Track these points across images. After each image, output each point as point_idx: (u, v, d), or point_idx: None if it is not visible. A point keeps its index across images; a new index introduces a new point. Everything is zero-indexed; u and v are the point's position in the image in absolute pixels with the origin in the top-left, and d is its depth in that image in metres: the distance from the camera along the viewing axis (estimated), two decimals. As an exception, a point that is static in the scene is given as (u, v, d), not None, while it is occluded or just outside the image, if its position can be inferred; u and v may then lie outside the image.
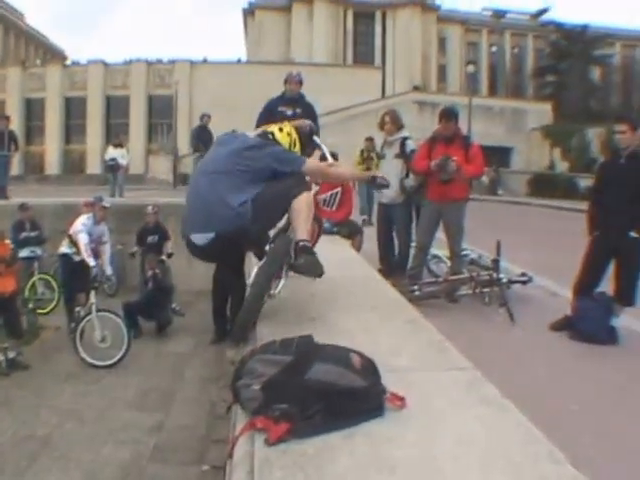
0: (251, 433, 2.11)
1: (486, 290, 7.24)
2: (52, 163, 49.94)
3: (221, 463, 2.56)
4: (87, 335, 9.27)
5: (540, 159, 42.97)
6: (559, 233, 14.94)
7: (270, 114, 7.15)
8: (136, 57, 51.48)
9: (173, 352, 9.90)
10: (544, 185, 34.55)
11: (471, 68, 47.10)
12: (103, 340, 9.28)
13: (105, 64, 50.85)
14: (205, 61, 51.00)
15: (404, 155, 8.01)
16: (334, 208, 8.09)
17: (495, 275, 7.17)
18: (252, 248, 4.11)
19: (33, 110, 51.09)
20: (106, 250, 10.80)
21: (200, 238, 3.48)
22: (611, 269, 6.19)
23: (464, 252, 8.06)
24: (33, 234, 12.30)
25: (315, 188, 4.40)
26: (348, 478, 1.83)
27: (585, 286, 6.27)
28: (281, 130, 4.04)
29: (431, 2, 61.46)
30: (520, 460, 1.92)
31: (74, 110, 50.50)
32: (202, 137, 16.03)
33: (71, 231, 10.33)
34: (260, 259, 3.94)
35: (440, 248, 8.28)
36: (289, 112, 7.27)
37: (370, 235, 8.66)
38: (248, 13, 62.05)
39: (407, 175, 7.97)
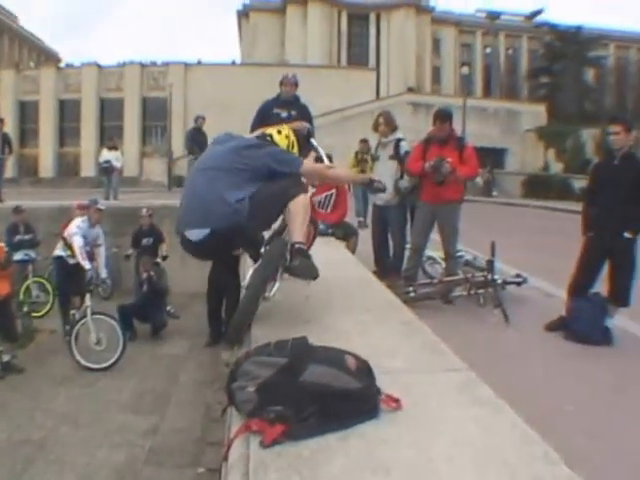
0: (246, 435, 2.10)
1: (481, 291, 7.25)
2: (46, 166, 49.87)
3: (216, 465, 2.56)
4: (82, 338, 9.24)
5: (534, 160, 43.06)
6: (553, 234, 14.97)
7: (265, 116, 7.14)
8: (130, 59, 51.55)
9: (168, 354, 9.89)
10: (538, 186, 34.64)
11: (465, 69, 47.33)
12: (98, 343, 9.26)
13: (99, 66, 50.84)
14: (199, 63, 50.95)
15: (398, 156, 8.01)
16: (329, 210, 8.09)
17: (490, 276, 7.18)
18: (247, 248, 4.10)
19: (27, 113, 51.05)
20: (101, 253, 10.77)
21: (195, 234, 3.45)
22: (605, 270, 6.20)
23: (459, 253, 8.07)
24: (27, 237, 12.28)
25: (311, 190, 4.39)
26: (343, 480, 1.83)
27: (579, 287, 6.28)
28: (279, 132, 4.04)
29: (425, 3, 61.59)
30: (515, 461, 1.93)
31: (68, 113, 50.47)
32: (196, 139, 16.01)
33: (66, 234, 10.29)
34: (255, 261, 3.93)
35: (435, 249, 8.29)
36: (284, 114, 7.26)
37: (365, 237, 8.66)
38: (242, 15, 62.09)
39: (401, 176, 7.98)
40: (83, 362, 9.03)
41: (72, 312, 10.01)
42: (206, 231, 3.41)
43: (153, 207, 13.25)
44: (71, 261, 10.26)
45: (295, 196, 3.54)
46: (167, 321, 11.03)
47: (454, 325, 6.27)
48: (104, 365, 9.04)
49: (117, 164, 18.37)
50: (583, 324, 6.01)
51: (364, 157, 12.66)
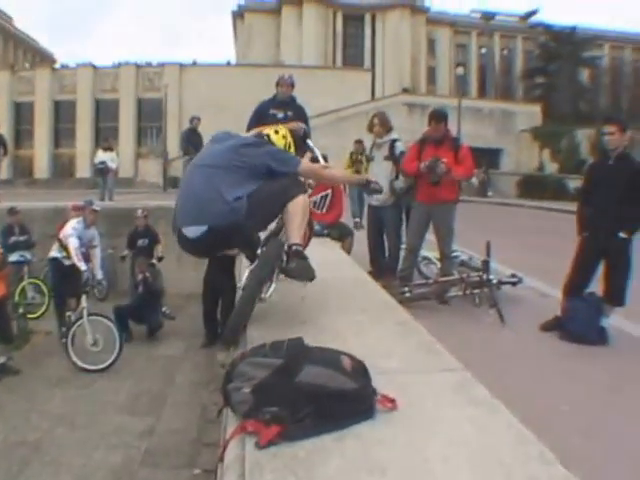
0: (242, 436, 2.10)
1: (476, 291, 7.26)
2: (41, 167, 49.83)
3: (212, 467, 2.57)
4: (79, 339, 9.22)
5: (529, 160, 43.16)
6: (549, 234, 15.01)
7: (261, 117, 7.13)
8: (125, 60, 51.55)
9: (164, 356, 9.87)
10: (533, 186, 34.73)
11: (460, 70, 47.31)
12: (95, 344, 9.23)
13: (94, 67, 50.83)
14: (194, 64, 50.96)
15: (393, 157, 8.02)
16: (324, 210, 8.10)
17: (485, 276, 7.18)
18: (244, 248, 4.09)
19: (22, 114, 51.01)
20: (96, 254, 10.73)
21: (192, 231, 3.43)
22: (601, 270, 6.21)
23: (454, 253, 8.08)
24: (22, 238, 12.25)
25: (308, 191, 4.39)
26: (339, 480, 1.83)
27: (575, 287, 6.29)
28: (277, 132, 4.04)
29: (420, 4, 61.67)
30: (511, 461, 1.93)
31: (63, 114, 50.46)
32: (192, 140, 15.99)
33: (61, 235, 10.26)
34: (252, 261, 3.93)
35: (430, 250, 8.29)
36: (280, 115, 7.25)
37: (360, 237, 8.66)
38: (237, 16, 62.11)
39: (397, 177, 7.98)
40: (80, 363, 9.01)
41: (68, 314, 9.97)
42: (203, 228, 3.39)
43: (148, 208, 13.23)
44: (67, 262, 10.22)
45: (294, 197, 3.53)
46: (163, 322, 11.01)
47: (450, 325, 6.28)
48: (101, 366, 9.02)
49: (112, 165, 18.33)
50: (578, 324, 6.02)
51: (359, 158, 12.68)
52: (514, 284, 7.60)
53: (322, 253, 5.50)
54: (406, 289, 7.23)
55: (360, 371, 2.32)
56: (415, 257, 7.91)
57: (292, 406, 2.12)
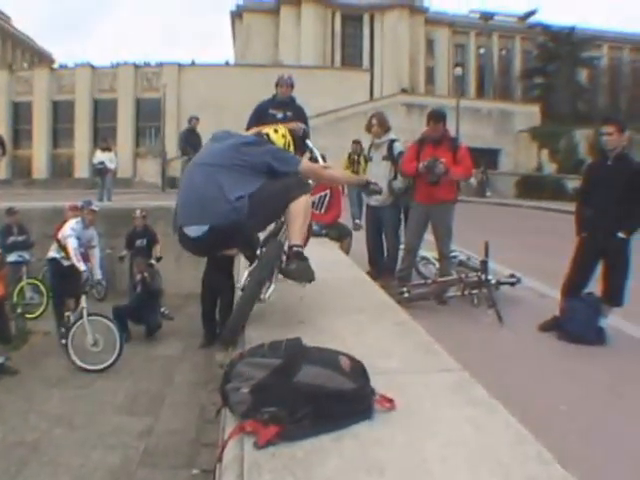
0: (240, 436, 2.10)
1: (475, 291, 7.26)
2: (40, 167, 49.79)
3: (211, 467, 2.56)
4: (79, 339, 9.21)
5: (528, 161, 43.15)
6: (547, 234, 15.01)
7: (261, 117, 7.14)
8: (123, 60, 51.53)
9: (162, 356, 9.86)
10: (532, 186, 34.72)
11: (459, 70, 47.23)
12: (95, 344, 9.22)
13: (92, 67, 50.81)
14: (193, 64, 50.95)
15: (392, 157, 8.02)
16: (323, 211, 8.10)
17: (484, 276, 7.19)
18: (244, 248, 4.09)
19: (20, 114, 51.00)
20: (95, 254, 10.72)
21: (194, 230, 3.42)
22: (599, 270, 6.21)
23: (453, 254, 8.09)
24: (21, 238, 12.24)
25: None
26: (337, 480, 1.83)
27: (573, 287, 6.30)
28: (276, 132, 4.04)
29: (419, 4, 61.67)
30: (509, 461, 1.93)
31: (62, 114, 50.43)
32: (190, 140, 15.98)
33: (60, 236, 10.25)
34: (251, 262, 3.93)
35: (429, 250, 8.30)
36: (280, 115, 7.25)
37: (359, 237, 8.66)
38: (236, 16, 62.10)
39: (395, 177, 7.98)
40: (80, 364, 9.01)
41: (67, 314, 9.97)
42: (205, 228, 3.38)
43: (147, 208, 13.21)
44: (65, 263, 10.22)
45: (297, 197, 3.52)
46: (161, 322, 11.01)
47: (448, 325, 6.28)
48: (101, 367, 9.01)
49: (111, 165, 18.34)
50: (577, 324, 6.03)
51: (357, 159, 12.68)
52: (513, 284, 7.60)
53: (321, 253, 5.49)
54: (405, 289, 7.24)
55: (358, 371, 2.32)
56: (414, 257, 7.91)
57: (290, 406, 2.11)
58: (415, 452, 1.98)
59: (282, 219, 3.81)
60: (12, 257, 11.79)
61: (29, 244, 12.37)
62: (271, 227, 4.02)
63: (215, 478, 2.22)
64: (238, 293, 4.15)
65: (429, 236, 7.80)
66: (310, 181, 3.97)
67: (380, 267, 8.26)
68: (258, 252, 3.81)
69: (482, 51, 65.37)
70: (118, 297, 11.74)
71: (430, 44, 63.39)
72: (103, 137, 29.63)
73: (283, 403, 2.12)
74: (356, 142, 13.21)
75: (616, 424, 4.15)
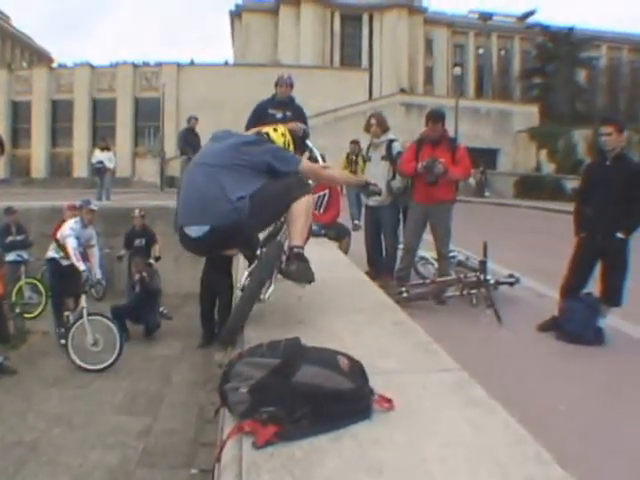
0: (239, 436, 2.10)
1: (473, 291, 7.26)
2: (38, 166, 49.79)
3: (209, 467, 2.55)
4: (79, 339, 9.21)
5: (527, 161, 43.20)
6: (546, 234, 15.01)
7: (260, 116, 7.13)
8: (122, 60, 51.55)
9: (161, 355, 9.86)
10: (531, 187, 34.76)
11: (458, 70, 47.31)
12: (95, 344, 9.21)
13: (91, 67, 50.81)
14: (192, 63, 50.97)
15: (390, 157, 8.02)
16: (321, 211, 8.10)
17: (482, 276, 7.19)
18: (244, 248, 4.07)
19: (19, 113, 51.00)
20: (95, 253, 10.71)
21: (195, 230, 3.40)
22: (598, 270, 6.21)
23: (451, 254, 8.09)
24: (19, 238, 12.23)
25: None
26: (336, 480, 1.83)
27: (572, 287, 6.30)
28: (275, 130, 4.04)
29: (418, 4, 61.68)
30: (508, 461, 1.93)
31: (60, 113, 50.43)
32: (189, 140, 15.99)
33: (59, 235, 10.24)
34: (250, 262, 3.92)
35: (427, 250, 8.30)
36: (279, 115, 7.25)
37: (358, 237, 8.66)
38: (235, 15, 62.12)
39: (394, 177, 7.98)
40: (80, 363, 9.00)
41: (66, 314, 9.97)
42: (206, 228, 3.37)
43: (146, 208, 13.21)
44: (64, 263, 10.21)
45: (298, 197, 3.52)
46: (160, 322, 11.01)
47: (447, 325, 6.28)
48: (101, 366, 9.01)
49: (110, 165, 18.34)
50: (575, 324, 6.02)
51: (356, 159, 12.67)
52: (511, 284, 7.61)
53: (319, 253, 5.49)
54: (403, 289, 7.24)
55: (357, 371, 2.32)
56: (412, 257, 7.91)
57: (289, 406, 2.11)
58: (414, 452, 1.98)
59: (282, 219, 3.81)
60: (11, 256, 11.79)
61: (28, 243, 12.36)
62: (270, 227, 4.01)
63: (214, 478, 2.21)
64: (237, 293, 4.14)
65: (428, 236, 7.79)
66: (310, 181, 3.96)
67: (379, 267, 8.26)
68: (258, 252, 3.80)
69: (481, 51, 65.41)
70: (117, 297, 11.72)
71: (429, 44, 63.42)
72: (102, 136, 29.63)
73: (282, 403, 2.12)
74: (354, 142, 13.19)
75: (615, 424, 4.15)
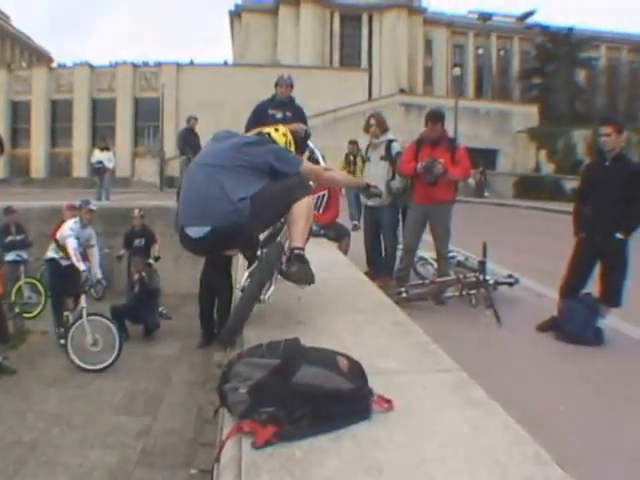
0: (238, 437, 2.10)
1: (473, 292, 7.26)
2: (38, 166, 49.76)
3: (209, 467, 2.56)
4: (78, 339, 9.20)
5: (526, 161, 43.21)
6: (545, 234, 15.02)
7: (260, 117, 7.13)
8: (122, 60, 51.53)
9: (160, 355, 9.86)
10: (530, 187, 34.79)
11: (457, 70, 47.41)
12: (95, 344, 9.21)
13: (91, 67, 50.78)
14: (192, 63, 50.91)
15: (390, 157, 8.02)
16: (321, 211, 8.09)
17: (482, 277, 7.19)
18: (244, 249, 4.07)
19: (19, 113, 50.97)
20: (94, 253, 10.71)
21: (195, 231, 3.41)
22: (597, 270, 6.21)
23: (451, 254, 8.09)
24: (19, 238, 12.22)
25: None
26: (335, 481, 1.83)
27: (571, 287, 6.30)
28: (277, 131, 4.03)
29: (417, 4, 61.66)
30: (507, 461, 1.93)
31: (60, 113, 50.39)
32: (189, 140, 15.98)
33: (58, 235, 10.23)
34: (250, 262, 3.91)
35: (427, 250, 8.30)
36: (279, 115, 7.24)
37: (357, 237, 8.66)
38: (235, 15, 62.09)
39: (393, 177, 7.99)
40: (79, 363, 9.00)
41: (66, 314, 9.97)
42: (207, 229, 3.37)
43: (145, 208, 13.20)
44: (64, 263, 10.21)
45: (299, 198, 3.51)
46: (160, 322, 11.00)
47: (446, 326, 6.28)
48: (100, 366, 9.00)
49: (109, 165, 18.34)
50: (575, 324, 6.03)
51: (354, 159, 12.67)
52: (511, 285, 7.60)
53: (319, 253, 5.49)
54: (403, 289, 7.24)
55: (356, 372, 2.32)
56: (412, 257, 7.92)
57: (289, 406, 2.12)
58: (413, 452, 1.99)
59: (282, 220, 3.81)
60: (10, 256, 11.78)
61: (27, 243, 12.36)
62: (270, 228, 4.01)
63: (213, 478, 2.22)
64: (237, 293, 4.14)
65: (427, 236, 7.80)
66: (310, 182, 3.96)
67: (378, 267, 8.26)
68: (258, 253, 3.79)
69: (480, 51, 65.40)
70: (116, 297, 11.71)
71: (428, 44, 63.39)
72: (101, 136, 29.62)
73: (281, 403, 2.12)
74: (352, 142, 13.18)
75: (615, 424, 4.15)
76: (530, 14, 64.15)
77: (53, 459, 6.26)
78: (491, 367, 4.78)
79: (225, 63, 54.63)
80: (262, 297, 3.64)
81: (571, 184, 27.82)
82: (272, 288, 3.82)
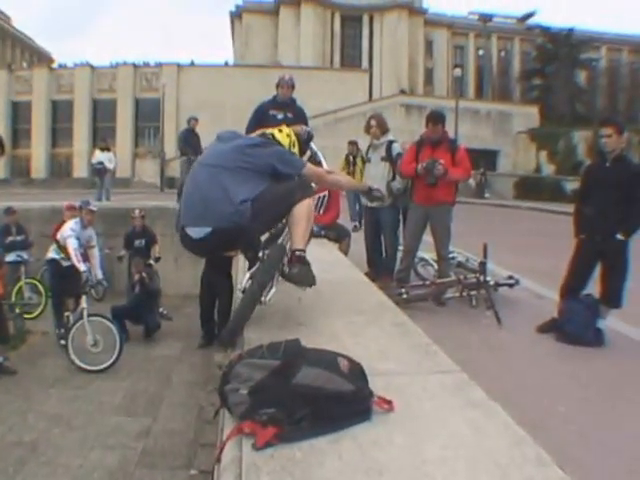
0: (239, 438, 2.10)
1: (473, 293, 7.27)
2: (38, 167, 49.82)
3: (209, 468, 2.56)
4: (79, 340, 9.20)
5: (526, 162, 43.20)
6: (546, 235, 15.02)
7: (261, 117, 7.14)
8: (123, 60, 51.58)
9: (161, 356, 9.85)
10: (531, 188, 34.78)
11: (458, 71, 47.28)
12: (95, 345, 9.20)
13: (92, 67, 50.87)
14: (192, 64, 50.96)
15: (390, 158, 8.02)
16: (321, 212, 8.09)
17: (482, 278, 7.19)
18: (246, 250, 4.06)
19: (19, 113, 51.05)
20: (95, 254, 10.70)
21: (196, 232, 3.41)
22: (598, 271, 6.21)
23: (451, 255, 8.09)
24: (19, 238, 12.20)
25: None
26: (335, 482, 1.83)
27: (572, 288, 6.30)
28: (281, 131, 4.03)
29: (418, 5, 61.69)
30: (507, 463, 1.93)
31: (61, 113, 50.49)
32: (189, 140, 15.95)
33: (59, 236, 10.22)
34: (252, 263, 3.91)
35: (427, 251, 8.30)
36: (280, 116, 7.24)
37: (357, 238, 8.66)
38: (235, 16, 62.14)
39: (394, 178, 7.99)
40: (79, 364, 8.99)
41: (66, 314, 9.96)
42: (207, 230, 3.37)
43: (145, 208, 13.17)
44: (65, 263, 10.20)
45: (300, 200, 3.51)
46: (160, 323, 10.99)
47: (447, 327, 6.28)
48: (101, 367, 9.00)
49: (110, 165, 18.34)
50: (575, 325, 6.02)
51: (354, 160, 12.67)
52: (511, 286, 7.61)
53: (319, 254, 5.49)
54: (403, 290, 7.24)
55: (357, 373, 2.32)
56: (412, 258, 7.92)
57: (289, 408, 2.12)
58: (414, 454, 1.99)
59: (284, 221, 3.80)
60: (10, 257, 11.76)
61: (27, 244, 12.34)
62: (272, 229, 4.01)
63: (213, 479, 2.21)
64: (237, 294, 4.13)
65: (428, 237, 7.80)
66: (312, 184, 3.96)
67: (379, 268, 8.26)
68: (260, 254, 3.79)
69: (481, 52, 65.43)
70: (116, 297, 11.69)
71: (429, 45, 63.45)
72: (102, 137, 29.69)
73: (282, 404, 2.12)
74: (352, 143, 13.17)
75: (615, 425, 4.15)
76: (530, 15, 64.20)
77: (53, 460, 6.25)
78: (491, 368, 4.78)
79: (226, 64, 54.70)
80: (263, 299, 3.64)
81: (572, 185, 27.85)
82: (273, 290, 3.81)
